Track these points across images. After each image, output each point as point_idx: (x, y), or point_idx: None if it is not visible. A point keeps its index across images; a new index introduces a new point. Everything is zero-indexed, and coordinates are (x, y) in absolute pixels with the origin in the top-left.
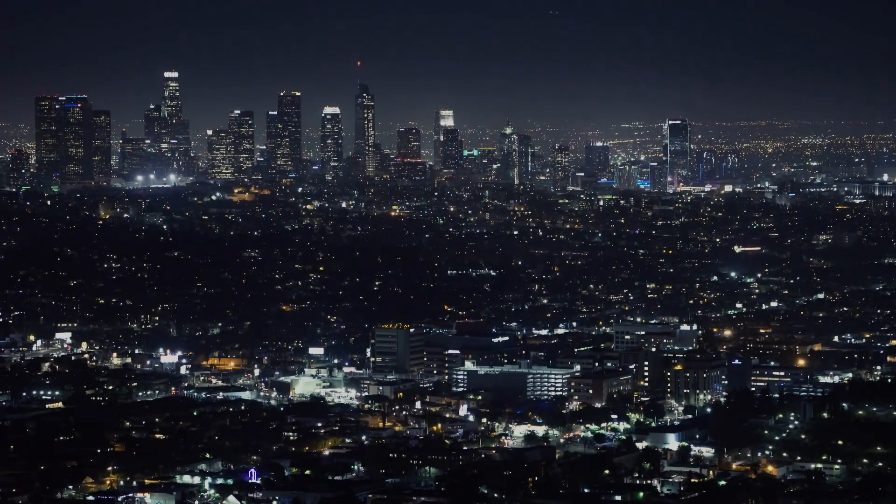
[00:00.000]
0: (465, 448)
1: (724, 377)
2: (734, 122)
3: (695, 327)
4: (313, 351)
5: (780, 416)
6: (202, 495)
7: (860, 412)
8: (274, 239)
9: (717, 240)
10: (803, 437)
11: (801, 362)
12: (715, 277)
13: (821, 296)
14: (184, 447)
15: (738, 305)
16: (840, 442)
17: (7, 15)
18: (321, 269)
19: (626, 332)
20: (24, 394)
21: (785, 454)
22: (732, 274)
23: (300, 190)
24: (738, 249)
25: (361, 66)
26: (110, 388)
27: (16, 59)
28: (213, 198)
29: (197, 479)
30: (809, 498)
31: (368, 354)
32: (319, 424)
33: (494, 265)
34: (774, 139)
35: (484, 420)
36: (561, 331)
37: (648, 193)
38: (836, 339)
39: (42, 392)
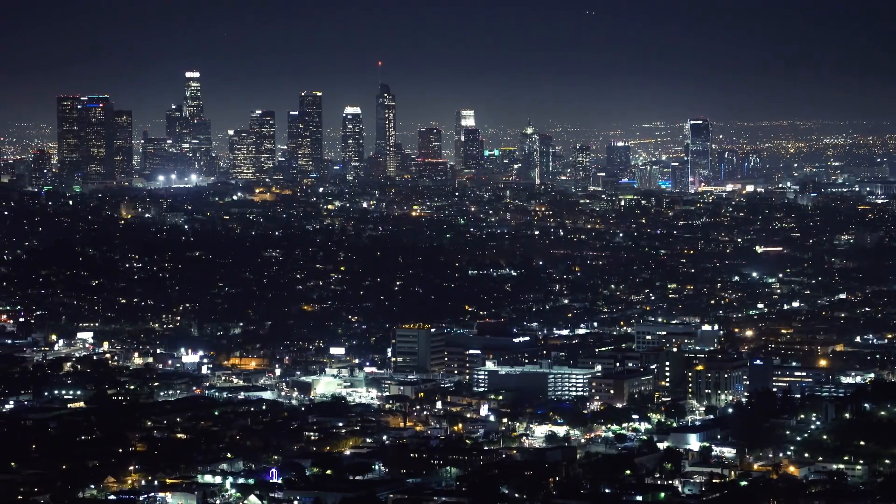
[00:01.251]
0: (485, 448)
1: (745, 377)
2: (756, 122)
3: (716, 327)
4: (334, 351)
5: (802, 416)
6: (223, 495)
7: (882, 413)
8: (295, 239)
9: (739, 240)
10: (825, 437)
11: (823, 363)
12: (736, 277)
13: (843, 296)
14: (205, 447)
15: (760, 306)
16: (862, 442)
17: (29, 16)
18: (342, 269)
19: (648, 332)
20: (46, 393)
21: (807, 455)
22: (754, 274)
23: (321, 190)
24: (759, 249)
25: (382, 66)
26: (132, 387)
27: (38, 60)
28: (235, 198)
29: (218, 479)
30: (831, 498)
31: (389, 354)
32: (340, 424)
33: (515, 265)
34: (796, 139)
35: (505, 420)
36: (582, 331)
37: (670, 193)
38: (857, 339)
39: (64, 392)
